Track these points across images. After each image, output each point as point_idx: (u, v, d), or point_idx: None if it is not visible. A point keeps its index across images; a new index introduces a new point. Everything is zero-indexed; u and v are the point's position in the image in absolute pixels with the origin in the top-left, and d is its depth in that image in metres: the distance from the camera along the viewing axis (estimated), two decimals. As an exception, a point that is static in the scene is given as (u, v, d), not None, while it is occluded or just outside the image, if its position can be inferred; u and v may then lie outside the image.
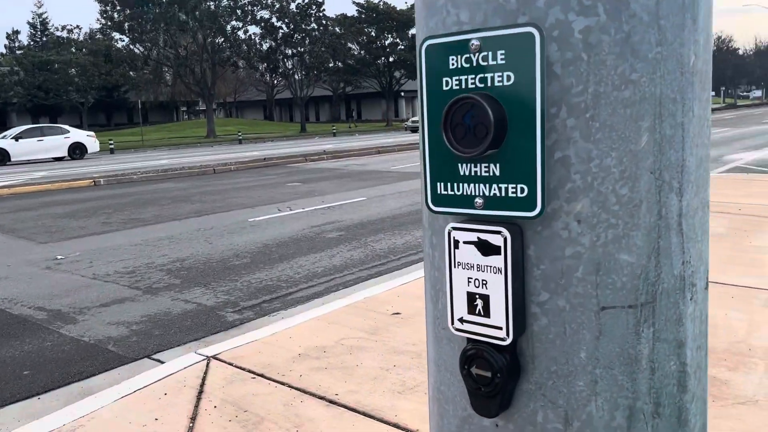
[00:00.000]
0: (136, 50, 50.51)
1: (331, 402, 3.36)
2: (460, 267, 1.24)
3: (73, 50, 47.57)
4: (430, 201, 1.21)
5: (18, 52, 55.35)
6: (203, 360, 4.00)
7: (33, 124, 69.94)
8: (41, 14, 70.92)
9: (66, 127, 29.21)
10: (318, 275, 6.50)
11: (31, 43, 62.55)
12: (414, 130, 40.66)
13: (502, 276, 1.17)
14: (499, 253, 1.19)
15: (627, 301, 1.13)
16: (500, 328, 1.25)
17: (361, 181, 15.61)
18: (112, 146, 34.66)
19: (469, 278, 1.22)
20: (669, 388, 1.22)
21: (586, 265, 1.12)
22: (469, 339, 1.27)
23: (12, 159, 26.48)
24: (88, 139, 28.36)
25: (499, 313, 1.20)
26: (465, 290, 1.24)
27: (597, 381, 1.25)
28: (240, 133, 41.57)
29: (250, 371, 3.80)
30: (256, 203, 12.11)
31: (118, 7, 47.70)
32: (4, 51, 61.90)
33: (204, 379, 3.71)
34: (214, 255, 7.58)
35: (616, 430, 1.27)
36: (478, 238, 1.19)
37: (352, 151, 25.63)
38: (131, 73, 50.98)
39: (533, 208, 1.10)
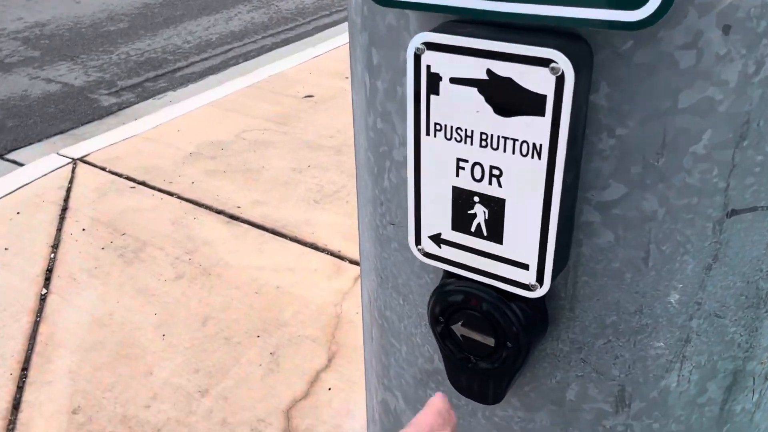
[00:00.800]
0: None
1: (232, 218, 2.74)
2: (440, 135, 0.54)
3: None
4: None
5: None
6: (68, 164, 3.20)
7: None
8: None
9: None
10: (212, 44, 5.45)
11: None
12: None
13: (542, 162, 0.46)
14: (542, 111, 0.45)
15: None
16: (523, 266, 0.66)
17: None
18: None
19: (460, 162, 0.58)
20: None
21: (720, 128, 0.42)
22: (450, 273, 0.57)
23: None
24: None
25: (522, 237, 0.67)
26: (449, 186, 0.56)
27: (690, 338, 0.74)
28: None
29: (128, 178, 3.06)
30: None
31: None
32: None
33: (69, 191, 2.96)
34: (83, 18, 6.23)
35: (702, 407, 0.76)
36: (490, 71, 0.44)
37: None
38: None
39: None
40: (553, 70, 0.51)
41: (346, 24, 5.97)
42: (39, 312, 2.21)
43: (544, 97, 0.52)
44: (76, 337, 2.10)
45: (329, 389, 1.89)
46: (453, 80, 0.56)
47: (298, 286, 2.32)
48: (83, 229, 2.66)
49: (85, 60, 5.08)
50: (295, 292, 2.29)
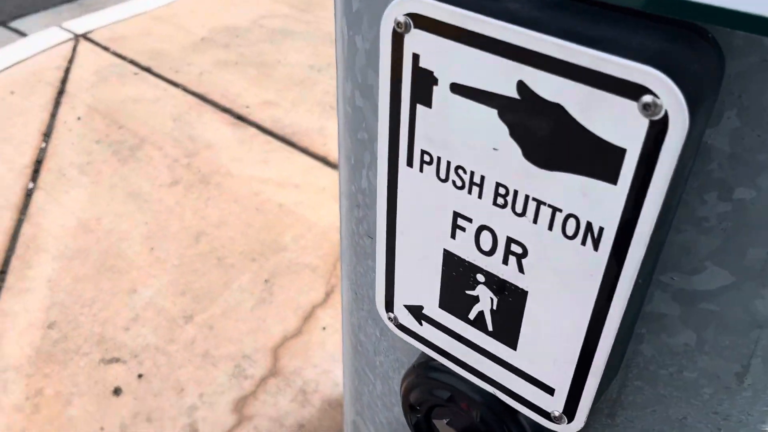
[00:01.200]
0: None
1: (239, 118, 2.50)
2: (429, 171, 0.40)
3: None
4: None
5: None
6: (70, 40, 2.94)
7: None
8: None
9: None
10: None
11: None
12: None
13: (600, 255, 0.33)
14: (614, 175, 0.31)
15: None
16: (545, 388, 0.40)
17: None
18: None
19: (459, 218, 0.40)
20: None
21: None
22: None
23: None
24: None
25: (548, 349, 0.43)
26: (440, 248, 0.40)
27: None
28: None
29: (132, 62, 2.81)
30: None
31: None
32: None
33: (68, 71, 2.72)
34: None
35: None
36: (525, 87, 0.37)
37: None
38: None
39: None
40: (648, 109, 0.26)
41: None
42: (24, 209, 2.06)
43: (621, 153, 0.28)
44: (59, 242, 1.95)
45: (324, 328, 1.74)
46: (457, 88, 0.31)
47: (303, 206, 2.12)
48: (78, 118, 2.46)
49: None
50: (298, 212, 2.09)
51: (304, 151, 2.36)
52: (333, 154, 2.34)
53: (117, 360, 1.64)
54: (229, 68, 2.79)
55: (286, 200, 2.13)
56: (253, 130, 2.44)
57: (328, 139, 2.42)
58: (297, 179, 2.23)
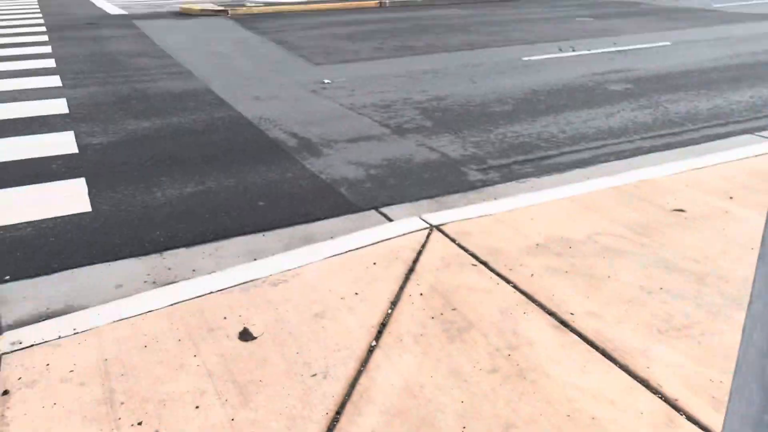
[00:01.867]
0: None
1: (562, 323, 2.59)
2: None
3: None
4: None
5: None
6: (425, 229, 3.46)
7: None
8: None
9: None
10: (587, 138, 5.40)
11: None
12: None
13: None
14: None
15: None
16: None
17: (669, 21, 13.04)
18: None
19: None
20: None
21: None
22: None
23: None
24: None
25: None
26: None
27: None
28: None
29: (472, 255, 3.16)
30: (536, 39, 10.80)
31: None
32: None
33: (419, 254, 3.18)
34: (474, 97, 6.83)
35: None
36: None
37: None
38: None
39: None
40: None
41: (742, 137, 5.32)
42: (364, 362, 2.38)
43: None
44: (386, 398, 2.19)
45: None
46: None
47: (617, 425, 2.03)
48: (421, 294, 2.81)
49: (466, 135, 5.52)
50: (611, 430, 2.01)
51: (625, 369, 2.31)
52: (655, 379, 2.24)
53: None
54: (558, 275, 2.94)
55: (600, 415, 2.08)
56: (574, 337, 2.49)
57: (652, 362, 2.33)
58: (614, 396, 2.17)
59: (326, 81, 7.74)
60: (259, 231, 3.80)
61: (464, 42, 10.64)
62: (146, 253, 3.51)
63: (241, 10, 15.36)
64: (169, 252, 3.53)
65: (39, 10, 16.77)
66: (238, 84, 7.65)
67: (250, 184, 4.49)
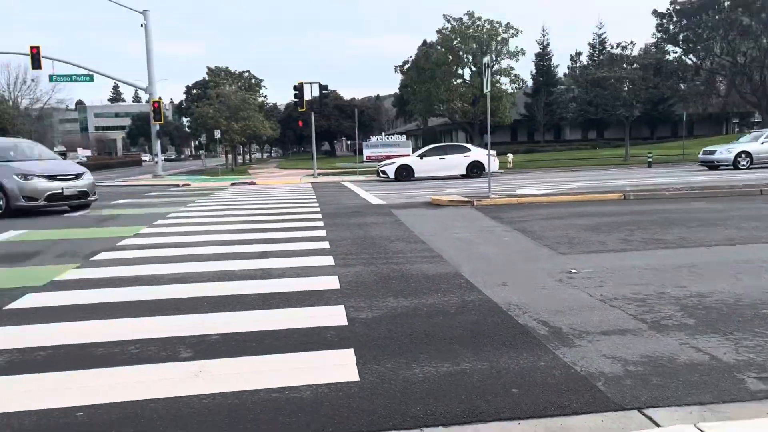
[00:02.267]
0: (687, 61, 48.82)
1: None
2: None
3: (625, 66, 48.95)
4: None
5: (577, 72, 60.51)
6: (702, 439, 3.15)
7: (582, 136, 75.70)
8: (600, 35, 75.81)
9: (468, 146, 31.56)
10: None
11: (589, 62, 67.27)
12: None
13: None
14: None
15: None
16: None
17: None
18: (649, 159, 34.37)
19: None
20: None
21: None
22: None
23: (416, 175, 29.44)
24: (487, 158, 26.86)
25: None
26: None
27: None
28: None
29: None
30: (813, 236, 9.76)
31: (675, 19, 46.83)
32: (567, 71, 68.88)
33: (698, 467, 2.89)
34: (743, 296, 6.28)
35: None
36: None
37: None
38: (681, 84, 49.50)
39: None
40: None
41: None
42: None
43: None
44: None
45: None
46: None
47: None
48: None
49: (739, 338, 5.04)
50: None
51: None
52: None
53: None
54: None
55: None
56: None
57: None
58: None
59: (573, 270, 7.77)
60: (515, 419, 3.79)
61: (723, 237, 10.01)
62: (407, 428, 3.68)
63: (486, 201, 16.43)
64: (428, 429, 3.66)
65: (316, 200, 19.77)
66: (486, 269, 8.02)
67: (503, 369, 4.55)
